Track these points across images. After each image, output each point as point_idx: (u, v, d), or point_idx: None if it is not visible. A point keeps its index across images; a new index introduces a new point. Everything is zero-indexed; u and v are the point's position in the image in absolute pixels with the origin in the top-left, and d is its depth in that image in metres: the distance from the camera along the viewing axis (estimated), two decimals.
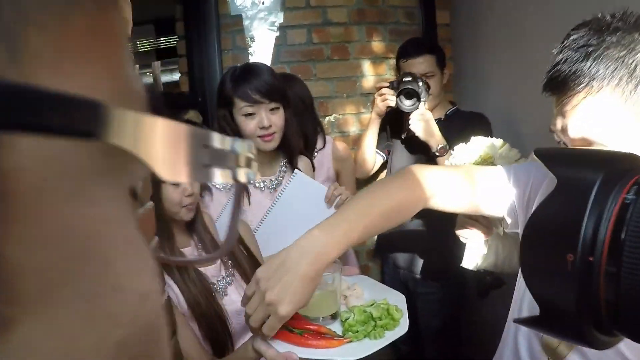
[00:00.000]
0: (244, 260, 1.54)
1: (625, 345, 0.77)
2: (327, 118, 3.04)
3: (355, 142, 3.05)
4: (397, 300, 1.11)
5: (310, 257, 0.89)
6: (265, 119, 1.84)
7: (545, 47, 0.95)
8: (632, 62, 0.79)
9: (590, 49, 0.82)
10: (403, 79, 2.25)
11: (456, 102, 2.66)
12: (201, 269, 1.45)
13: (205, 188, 2.01)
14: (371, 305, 1.07)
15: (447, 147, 2.12)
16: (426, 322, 2.47)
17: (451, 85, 3.02)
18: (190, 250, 1.50)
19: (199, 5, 2.89)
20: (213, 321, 1.39)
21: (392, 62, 3.08)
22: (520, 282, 1.05)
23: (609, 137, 0.82)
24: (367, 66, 3.09)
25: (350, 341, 0.99)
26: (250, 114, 1.85)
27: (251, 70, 1.91)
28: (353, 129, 3.07)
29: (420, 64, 2.38)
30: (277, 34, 3.00)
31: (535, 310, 0.53)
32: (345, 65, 3.06)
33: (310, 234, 0.92)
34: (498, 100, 2.65)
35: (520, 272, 0.99)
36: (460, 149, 1.60)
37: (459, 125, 2.29)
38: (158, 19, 4.66)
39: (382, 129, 2.56)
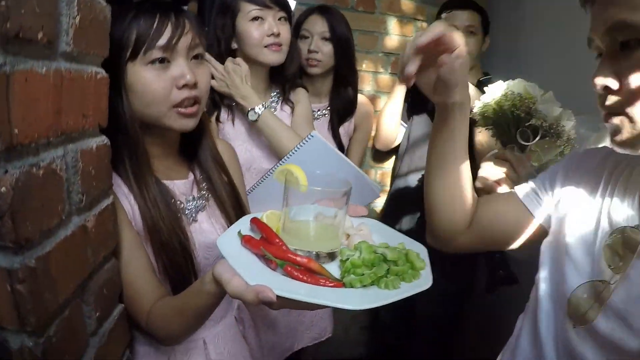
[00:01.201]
0: (222, 185, 1.25)
1: None
2: None
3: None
4: (418, 249, 0.84)
5: None
6: (275, 26, 1.73)
7: (586, 26, 0.82)
8: None
9: None
10: None
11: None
12: (167, 182, 1.15)
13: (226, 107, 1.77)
14: (385, 247, 0.79)
15: None
16: (424, 313, 2.21)
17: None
18: (183, 186, 1.19)
19: None
20: (175, 253, 1.09)
21: (420, 24, 2.82)
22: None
23: None
24: (393, 24, 2.80)
25: (352, 286, 0.72)
26: (258, 18, 1.72)
27: None
28: (368, 88, 2.78)
29: (464, 18, 2.17)
30: None
31: None
32: (370, 19, 2.78)
33: None
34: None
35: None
36: (496, 86, 1.35)
37: None
38: None
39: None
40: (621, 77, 0.74)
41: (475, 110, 1.38)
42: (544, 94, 1.31)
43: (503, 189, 1.31)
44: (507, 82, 1.35)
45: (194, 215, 1.19)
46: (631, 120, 0.74)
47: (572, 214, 0.92)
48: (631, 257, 0.76)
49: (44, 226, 0.64)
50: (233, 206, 1.25)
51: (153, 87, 1.04)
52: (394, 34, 2.81)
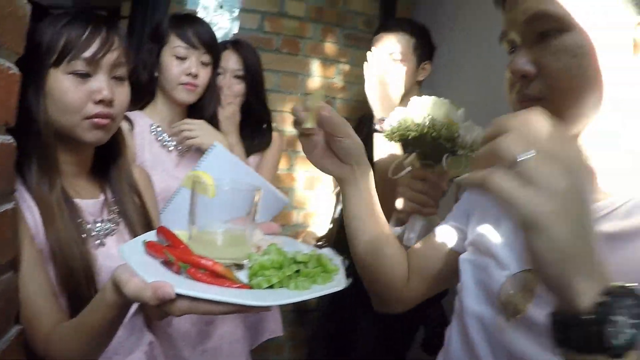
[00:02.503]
0: (134, 209, 1.20)
1: None
2: None
3: (289, 144, 2.82)
4: (332, 256, 0.82)
5: None
6: (194, 67, 1.74)
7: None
8: None
9: None
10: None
11: None
12: (77, 200, 1.09)
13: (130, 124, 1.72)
14: (296, 252, 0.76)
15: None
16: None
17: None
18: (92, 206, 1.13)
19: None
20: (77, 275, 1.02)
21: (342, 67, 2.90)
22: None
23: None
24: (316, 66, 2.88)
25: (259, 287, 0.68)
26: (181, 58, 1.74)
27: (195, 18, 1.86)
28: (290, 128, 2.81)
29: (390, 44, 1.92)
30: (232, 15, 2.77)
31: None
32: (294, 61, 2.86)
33: None
34: None
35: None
36: (416, 102, 1.35)
37: None
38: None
39: None
40: (540, 65, 0.76)
41: (387, 127, 1.38)
42: (459, 111, 1.32)
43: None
44: (422, 101, 1.35)
45: (102, 238, 1.13)
46: (547, 106, 0.73)
47: (488, 219, 0.92)
48: None
49: None
50: (145, 232, 1.20)
51: (69, 97, 1.03)
52: (316, 76, 2.88)
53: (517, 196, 0.49)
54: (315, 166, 1.01)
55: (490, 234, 0.90)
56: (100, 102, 1.05)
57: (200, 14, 2.73)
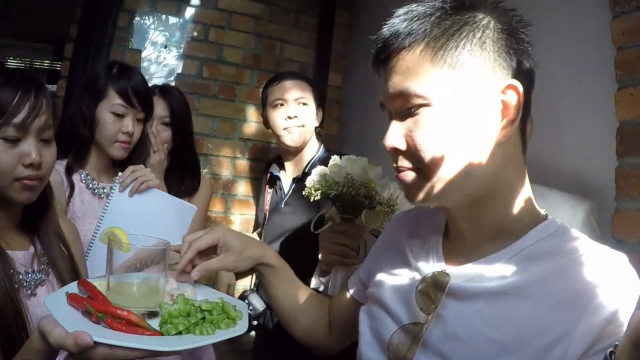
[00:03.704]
0: (62, 260, 1.25)
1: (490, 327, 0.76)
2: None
3: (225, 187, 2.89)
4: (238, 304, 0.92)
5: None
6: (131, 125, 1.77)
7: None
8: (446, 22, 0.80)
9: (410, 14, 0.82)
10: None
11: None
12: (9, 251, 1.14)
13: (71, 186, 1.74)
14: (203, 301, 0.85)
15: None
16: None
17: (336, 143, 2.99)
18: (23, 257, 1.18)
19: (94, 24, 2.65)
20: (8, 321, 1.06)
21: None
22: None
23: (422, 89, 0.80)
24: (251, 111, 2.99)
25: (169, 334, 0.77)
26: (119, 115, 1.76)
27: (129, 70, 1.85)
28: (226, 172, 2.90)
29: (296, 89, 2.09)
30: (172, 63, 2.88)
31: None
32: (230, 107, 2.96)
33: None
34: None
35: None
36: (335, 161, 1.47)
37: None
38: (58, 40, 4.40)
39: None
40: (409, 138, 0.81)
41: (310, 184, 1.50)
42: (375, 168, 1.46)
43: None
44: (339, 161, 1.48)
45: (32, 288, 1.17)
46: (422, 176, 0.82)
47: (385, 274, 1.00)
48: (441, 297, 0.82)
49: None
50: (72, 281, 1.25)
51: (0, 161, 1.07)
52: (252, 121, 2.98)
53: None
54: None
55: (385, 286, 0.97)
56: (29, 165, 1.09)
57: (147, 50, 2.82)
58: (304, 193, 1.53)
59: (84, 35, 2.63)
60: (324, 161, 2.00)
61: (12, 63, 5.67)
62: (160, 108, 2.02)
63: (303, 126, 2.06)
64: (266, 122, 2.17)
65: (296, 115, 2.03)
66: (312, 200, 1.50)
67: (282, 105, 2.07)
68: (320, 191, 1.47)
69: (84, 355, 0.74)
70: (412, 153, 0.81)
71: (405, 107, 0.81)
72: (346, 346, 1.20)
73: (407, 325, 0.86)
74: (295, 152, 2.12)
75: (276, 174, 2.20)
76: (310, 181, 1.50)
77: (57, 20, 2.93)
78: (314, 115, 2.13)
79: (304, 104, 2.09)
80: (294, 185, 2.13)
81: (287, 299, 1.19)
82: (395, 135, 0.83)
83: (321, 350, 1.22)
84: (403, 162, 0.83)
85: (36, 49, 5.41)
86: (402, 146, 0.82)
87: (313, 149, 2.15)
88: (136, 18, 2.81)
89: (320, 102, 2.16)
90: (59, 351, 0.87)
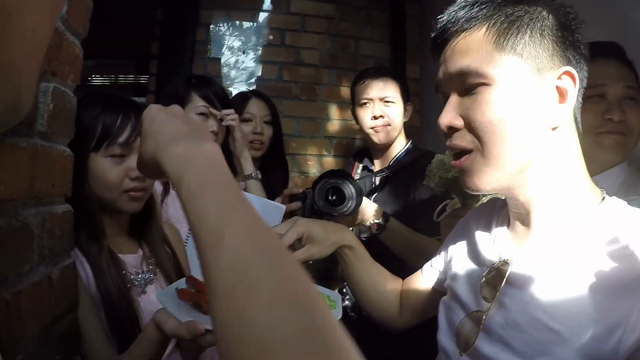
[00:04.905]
0: (168, 260, 1.39)
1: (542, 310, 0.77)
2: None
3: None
4: (332, 294, 1.00)
5: None
6: (215, 125, 1.91)
7: None
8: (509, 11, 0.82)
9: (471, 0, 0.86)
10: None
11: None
12: (121, 255, 1.28)
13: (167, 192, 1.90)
14: None
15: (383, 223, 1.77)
16: None
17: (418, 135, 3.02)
18: (133, 260, 1.32)
19: (174, 41, 2.88)
20: (122, 316, 1.19)
21: None
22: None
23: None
24: (333, 110, 3.07)
25: None
26: (203, 114, 1.89)
27: (209, 79, 2.01)
28: (313, 170, 2.99)
29: (380, 88, 2.06)
30: (251, 67, 3.01)
31: None
32: (312, 106, 3.05)
33: None
34: None
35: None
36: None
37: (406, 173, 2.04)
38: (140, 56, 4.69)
39: None
40: (466, 118, 0.83)
41: (428, 171, 1.57)
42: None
43: None
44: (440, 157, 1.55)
45: (142, 287, 1.31)
46: (478, 159, 0.83)
47: (458, 265, 1.03)
48: (501, 285, 0.84)
49: (18, 269, 0.76)
50: (178, 279, 1.38)
51: (109, 176, 1.21)
52: (334, 119, 3.06)
53: None
54: None
55: (457, 278, 1.01)
56: (135, 178, 1.23)
57: (225, 56, 2.99)
58: (425, 182, 1.58)
59: (166, 51, 2.87)
60: (410, 154, 2.08)
61: (97, 80, 5.94)
62: (260, 108, 2.16)
63: (389, 125, 2.07)
64: (356, 119, 2.22)
65: (382, 115, 2.06)
66: (432, 186, 1.56)
67: (368, 104, 2.11)
68: (438, 175, 1.52)
69: (196, 341, 0.87)
70: (469, 130, 0.83)
71: (463, 86, 0.84)
72: (409, 327, 1.26)
73: (473, 312, 0.89)
74: (383, 148, 2.16)
75: (370, 167, 2.23)
76: (429, 169, 1.56)
77: (138, 37, 3.17)
78: (401, 112, 2.11)
79: (390, 101, 2.08)
80: (377, 179, 2.17)
81: (363, 277, 1.26)
82: (452, 113, 0.85)
83: (389, 328, 1.28)
84: (458, 141, 0.85)
85: (119, 65, 5.66)
86: (460, 124, 0.84)
87: (400, 144, 2.18)
88: (211, 26, 2.98)
89: (408, 97, 2.14)
90: (170, 340, 1.01)
